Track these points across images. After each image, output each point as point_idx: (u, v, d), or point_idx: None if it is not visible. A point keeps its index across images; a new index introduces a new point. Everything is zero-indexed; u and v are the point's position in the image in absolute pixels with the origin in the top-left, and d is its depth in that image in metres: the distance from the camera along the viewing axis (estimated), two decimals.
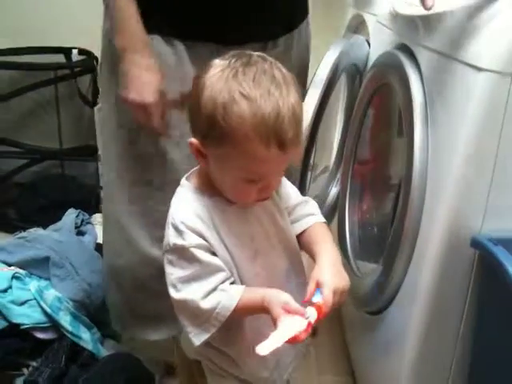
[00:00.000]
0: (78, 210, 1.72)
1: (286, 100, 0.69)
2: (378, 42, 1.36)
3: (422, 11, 1.03)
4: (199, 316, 0.75)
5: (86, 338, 1.34)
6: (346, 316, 1.53)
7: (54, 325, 1.32)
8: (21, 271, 1.40)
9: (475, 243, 0.85)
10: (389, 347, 1.09)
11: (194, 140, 0.75)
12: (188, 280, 0.75)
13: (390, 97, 1.17)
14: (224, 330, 0.76)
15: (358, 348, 1.35)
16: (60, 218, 1.67)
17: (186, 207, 0.77)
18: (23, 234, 1.54)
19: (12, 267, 1.41)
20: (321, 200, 1.59)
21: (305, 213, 0.88)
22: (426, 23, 1.00)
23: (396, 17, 1.18)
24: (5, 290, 1.34)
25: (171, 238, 0.76)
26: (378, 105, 1.29)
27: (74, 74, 1.98)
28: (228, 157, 0.71)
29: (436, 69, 0.96)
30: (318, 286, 0.74)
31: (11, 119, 2.07)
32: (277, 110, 0.68)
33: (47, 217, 1.69)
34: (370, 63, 1.38)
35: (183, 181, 0.81)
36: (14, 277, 1.37)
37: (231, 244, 0.78)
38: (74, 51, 2.11)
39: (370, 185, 1.38)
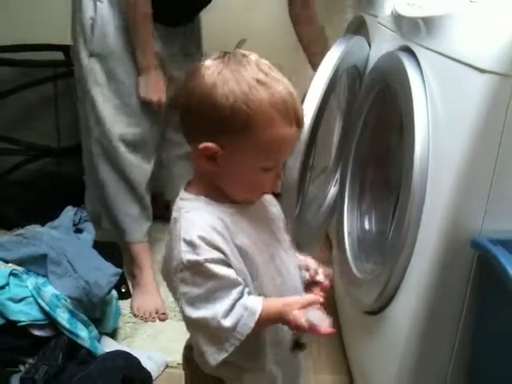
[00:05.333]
0: (76, 208, 1.71)
1: (287, 82, 0.74)
2: (379, 43, 1.36)
3: (423, 13, 1.04)
4: (218, 335, 0.73)
5: (84, 335, 1.34)
6: (342, 315, 1.53)
7: (52, 322, 1.32)
8: (18, 268, 1.40)
9: (475, 244, 0.86)
10: (387, 347, 1.09)
11: (208, 144, 0.73)
12: (206, 297, 0.72)
13: (392, 98, 1.17)
14: (243, 345, 0.74)
15: (355, 347, 1.36)
16: (58, 216, 1.67)
17: (200, 220, 0.74)
18: (21, 231, 1.54)
19: (9, 264, 1.41)
20: (320, 200, 1.59)
21: None
22: (428, 25, 1.00)
23: (397, 18, 1.18)
24: (2, 287, 1.33)
25: (183, 254, 0.72)
26: (379, 106, 1.29)
27: (72, 72, 1.98)
28: (249, 144, 0.72)
29: (438, 70, 0.97)
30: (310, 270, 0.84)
31: (9, 116, 2.06)
32: (288, 91, 0.73)
33: (45, 214, 1.69)
34: (371, 64, 1.38)
35: (184, 194, 0.79)
36: (11, 274, 1.36)
37: (249, 247, 0.76)
38: None
39: (369, 186, 1.38)
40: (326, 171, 1.69)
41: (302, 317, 0.72)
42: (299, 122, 0.74)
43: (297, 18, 1.70)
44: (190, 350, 0.87)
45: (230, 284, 0.73)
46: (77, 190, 1.84)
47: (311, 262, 0.86)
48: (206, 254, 0.71)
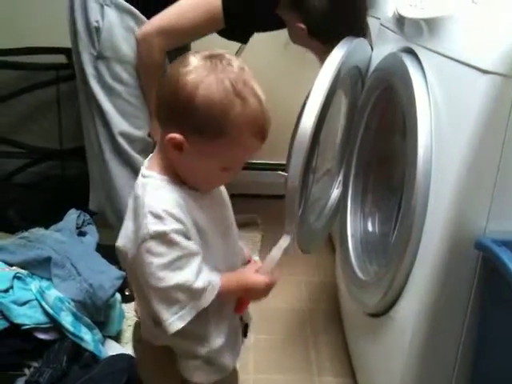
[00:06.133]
0: (80, 211, 1.71)
1: (261, 94, 0.79)
2: (381, 44, 1.36)
3: (426, 14, 1.04)
4: (183, 301, 0.79)
5: (88, 338, 1.34)
6: (346, 317, 1.53)
7: (56, 325, 1.32)
8: (22, 271, 1.40)
9: (479, 245, 0.86)
10: (391, 349, 1.09)
11: (177, 135, 0.78)
12: (170, 266, 0.78)
13: (394, 99, 1.17)
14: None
15: (359, 349, 1.35)
16: (61, 219, 1.67)
17: (165, 196, 0.80)
18: (25, 234, 1.54)
19: (13, 267, 1.41)
20: (322, 202, 1.59)
21: None
22: (430, 26, 1.00)
23: (400, 20, 1.18)
24: (6, 290, 1.33)
25: (150, 225, 0.78)
26: (381, 107, 1.29)
27: (75, 75, 1.98)
28: (218, 149, 0.78)
29: (440, 71, 0.97)
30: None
31: (12, 119, 2.07)
32: (261, 106, 0.78)
33: (48, 217, 1.69)
34: (373, 66, 1.38)
35: (147, 171, 0.84)
36: (15, 277, 1.37)
37: (206, 227, 0.84)
38: None
39: (372, 187, 1.38)
40: (328, 173, 1.69)
41: (261, 278, 0.85)
42: (265, 137, 0.80)
43: None
44: (139, 329, 0.94)
45: (192, 253, 0.80)
46: (80, 193, 1.84)
47: (243, 246, 0.97)
48: (172, 224, 0.78)
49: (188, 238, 0.80)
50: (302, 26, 1.49)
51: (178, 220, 0.78)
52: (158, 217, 0.78)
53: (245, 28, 1.57)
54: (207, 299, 0.81)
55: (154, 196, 0.80)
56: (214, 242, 0.86)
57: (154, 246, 0.78)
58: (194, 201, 0.82)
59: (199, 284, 0.79)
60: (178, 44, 1.55)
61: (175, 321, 0.79)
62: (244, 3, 1.48)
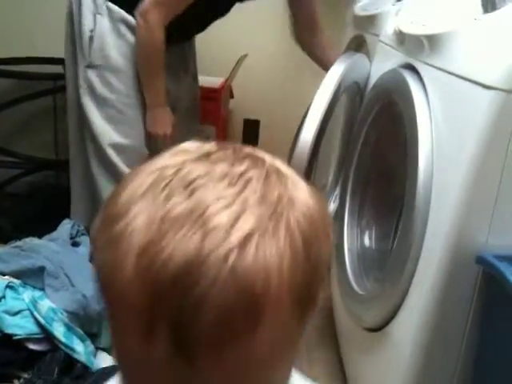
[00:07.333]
0: (73, 221, 1.70)
1: (233, 248, 0.35)
2: (380, 61, 1.37)
3: (427, 30, 1.05)
4: None
5: (80, 350, 1.32)
6: (341, 332, 1.52)
7: (48, 336, 1.30)
8: (15, 281, 1.38)
9: (480, 260, 0.86)
10: (388, 364, 1.08)
11: None
12: None
13: (394, 115, 1.18)
14: None
15: (354, 365, 1.34)
16: (55, 229, 1.65)
17: None
18: (18, 243, 1.52)
19: (6, 276, 1.39)
20: None
21: None
22: (431, 42, 1.01)
23: (400, 36, 1.19)
24: None
25: None
26: (381, 123, 1.30)
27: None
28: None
29: (442, 87, 0.98)
30: None
31: (8, 128, 2.06)
32: (189, 260, 0.34)
33: (42, 227, 1.67)
34: (371, 82, 1.40)
35: None
36: (7, 286, 1.35)
37: None
38: None
39: (369, 201, 1.38)
40: (324, 188, 1.69)
41: None
42: (180, 340, 0.34)
43: (305, 45, 1.75)
44: None
45: None
46: None
47: None
48: None
49: None
50: None
51: None
52: None
53: None
54: None
55: None
56: None
57: None
58: None
59: None
60: (175, 12, 1.51)
61: None
62: None
